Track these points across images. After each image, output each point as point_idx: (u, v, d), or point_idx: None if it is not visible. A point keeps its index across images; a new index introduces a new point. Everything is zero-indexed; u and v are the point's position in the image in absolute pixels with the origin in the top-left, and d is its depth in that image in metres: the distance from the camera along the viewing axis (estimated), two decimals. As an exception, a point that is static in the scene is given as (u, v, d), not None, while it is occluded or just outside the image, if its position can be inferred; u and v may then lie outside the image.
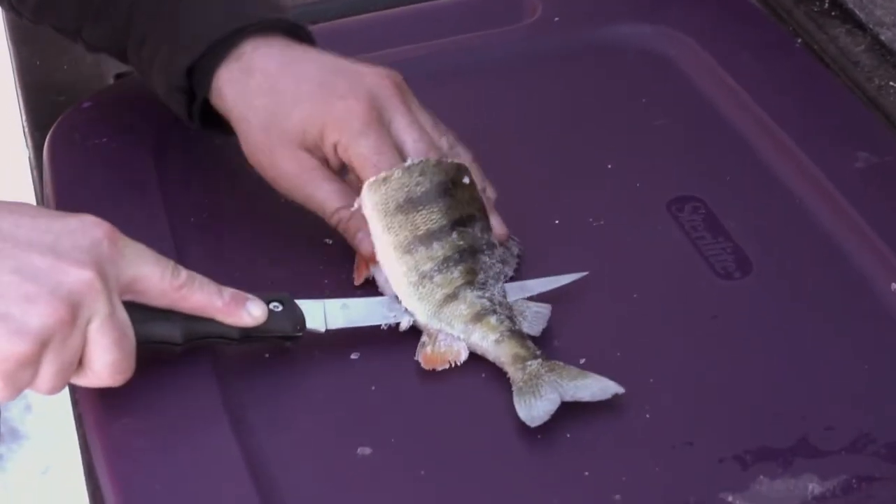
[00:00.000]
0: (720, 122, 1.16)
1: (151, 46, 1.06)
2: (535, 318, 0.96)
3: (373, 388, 0.92)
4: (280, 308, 0.92)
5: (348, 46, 1.10)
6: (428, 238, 0.96)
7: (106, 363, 0.85)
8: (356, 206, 0.97)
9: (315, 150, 1.00)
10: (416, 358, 0.94)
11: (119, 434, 0.89)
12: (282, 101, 1.01)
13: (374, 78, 1.01)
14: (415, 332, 0.96)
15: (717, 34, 1.24)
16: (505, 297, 0.96)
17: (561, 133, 1.16)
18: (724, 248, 1.03)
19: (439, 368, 0.94)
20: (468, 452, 0.88)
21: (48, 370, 0.83)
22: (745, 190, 1.09)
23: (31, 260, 0.82)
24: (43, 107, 1.24)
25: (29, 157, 1.20)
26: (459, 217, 0.97)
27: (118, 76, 1.24)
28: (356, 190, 0.98)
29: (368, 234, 0.97)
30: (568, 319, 0.97)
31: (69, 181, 1.10)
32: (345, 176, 1.02)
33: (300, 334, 0.93)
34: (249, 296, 0.91)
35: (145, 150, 1.12)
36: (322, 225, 1.02)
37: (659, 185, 1.09)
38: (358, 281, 1.00)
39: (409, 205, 0.96)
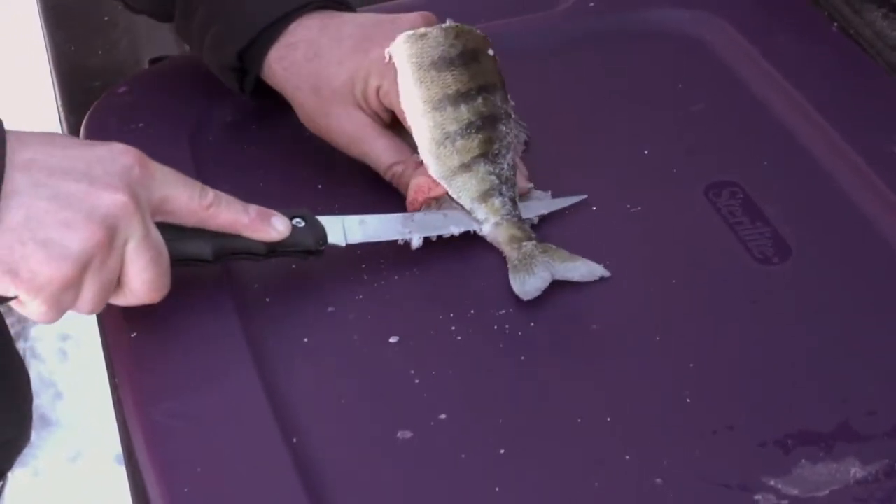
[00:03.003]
0: (757, 107, 1.15)
1: (200, 23, 1.08)
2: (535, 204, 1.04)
3: (412, 371, 0.92)
4: (302, 224, 0.96)
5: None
6: (456, 98, 1.00)
7: (143, 281, 0.89)
8: (386, 56, 1.01)
9: (366, 105, 1.03)
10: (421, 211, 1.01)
11: (159, 419, 0.89)
12: (327, 63, 1.04)
13: (409, 21, 1.04)
14: (450, 318, 0.96)
15: (754, 18, 1.24)
16: (512, 171, 1.01)
17: (597, 119, 1.16)
18: (763, 232, 1.02)
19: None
20: (509, 437, 0.88)
21: (89, 291, 0.86)
22: (782, 174, 1.09)
23: (65, 187, 0.84)
24: (78, 91, 1.25)
25: (65, 142, 1.20)
26: (485, 84, 1.02)
27: (153, 61, 1.24)
28: (409, 144, 1.03)
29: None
30: (607, 305, 0.97)
31: (106, 166, 1.09)
32: None
33: (322, 249, 0.96)
34: (274, 212, 0.94)
35: (181, 134, 1.12)
36: (360, 207, 1.03)
37: (696, 170, 1.09)
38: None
39: (442, 63, 1.01)
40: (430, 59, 1.01)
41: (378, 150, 1.04)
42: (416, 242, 0.99)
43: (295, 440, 0.87)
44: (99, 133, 1.13)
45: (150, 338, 0.93)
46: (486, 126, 1.00)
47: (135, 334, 0.94)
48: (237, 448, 0.87)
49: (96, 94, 1.18)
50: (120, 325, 0.95)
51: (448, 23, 1.03)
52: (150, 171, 0.89)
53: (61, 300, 0.85)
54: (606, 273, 0.97)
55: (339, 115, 1.04)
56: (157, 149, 1.09)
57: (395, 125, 1.04)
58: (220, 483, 0.86)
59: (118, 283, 0.88)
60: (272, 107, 1.10)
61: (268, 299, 0.97)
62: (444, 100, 1.00)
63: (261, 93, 1.09)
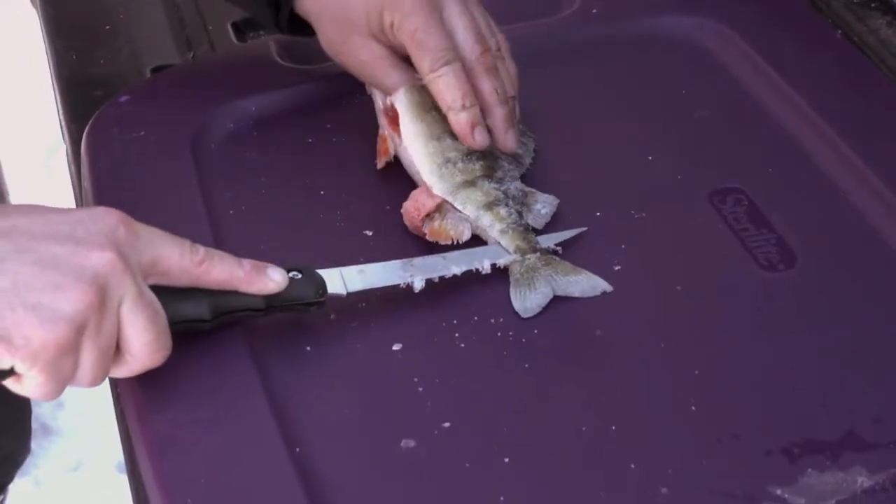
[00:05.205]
0: (761, 114, 1.15)
1: None
2: (542, 208, 1.04)
3: (415, 379, 0.92)
4: (300, 276, 0.94)
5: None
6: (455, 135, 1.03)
7: (143, 343, 0.86)
8: (389, 102, 1.06)
9: (382, 37, 1.05)
10: (423, 229, 1.01)
11: (161, 430, 0.89)
12: None
13: None
14: (453, 325, 0.95)
15: (757, 26, 1.23)
16: (520, 192, 1.03)
17: (601, 126, 1.15)
18: (768, 239, 1.02)
19: (443, 242, 1.00)
20: (513, 446, 0.88)
21: (88, 357, 0.83)
22: (787, 181, 1.08)
23: (50, 250, 0.82)
24: (80, 100, 1.24)
25: (67, 151, 1.20)
26: None
27: (155, 69, 1.24)
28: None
29: None
30: (611, 312, 0.97)
31: (108, 175, 1.09)
32: None
33: (322, 300, 0.94)
34: (268, 264, 0.92)
35: (183, 143, 1.11)
36: (361, 217, 1.02)
37: (701, 177, 1.09)
38: (380, 164, 1.07)
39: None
40: (431, 104, 1.04)
41: (391, 81, 1.06)
42: (419, 285, 0.96)
43: (298, 450, 0.87)
44: (101, 142, 1.12)
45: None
46: (486, 157, 1.04)
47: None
48: (240, 459, 0.87)
49: (98, 103, 1.17)
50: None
51: None
52: (136, 230, 0.86)
53: (59, 368, 0.81)
54: (609, 288, 0.96)
55: (357, 44, 1.06)
56: (158, 157, 1.10)
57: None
58: (223, 494, 0.85)
59: (117, 349, 0.86)
60: (274, 115, 1.10)
61: (270, 308, 0.97)
62: (444, 134, 1.04)
63: (295, 28, 1.11)
